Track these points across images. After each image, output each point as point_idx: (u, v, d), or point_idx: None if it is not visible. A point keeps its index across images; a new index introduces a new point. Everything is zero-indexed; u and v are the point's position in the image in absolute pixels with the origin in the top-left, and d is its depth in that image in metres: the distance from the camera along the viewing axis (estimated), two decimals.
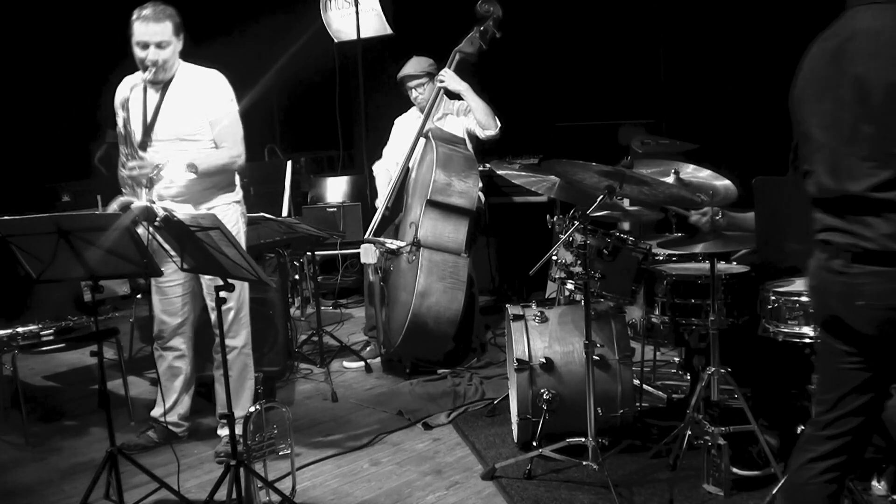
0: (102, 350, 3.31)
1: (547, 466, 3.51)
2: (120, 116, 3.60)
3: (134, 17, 3.54)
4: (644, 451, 3.59)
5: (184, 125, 3.65)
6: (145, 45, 3.54)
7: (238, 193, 3.90)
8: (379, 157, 5.36)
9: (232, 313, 3.78)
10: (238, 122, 3.75)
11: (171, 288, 3.81)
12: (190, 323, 3.91)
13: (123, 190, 3.64)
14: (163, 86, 3.65)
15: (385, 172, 5.23)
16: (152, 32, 3.51)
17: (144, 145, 3.64)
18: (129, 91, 3.59)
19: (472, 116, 4.99)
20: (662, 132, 5.80)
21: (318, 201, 6.81)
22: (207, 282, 3.74)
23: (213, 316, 3.79)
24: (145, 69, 3.56)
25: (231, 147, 3.72)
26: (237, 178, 3.91)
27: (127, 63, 3.70)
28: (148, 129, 3.64)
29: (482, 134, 4.99)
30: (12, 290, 4.25)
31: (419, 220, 4.67)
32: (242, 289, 3.78)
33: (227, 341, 3.74)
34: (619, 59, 6.26)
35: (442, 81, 4.96)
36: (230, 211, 3.79)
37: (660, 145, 4.90)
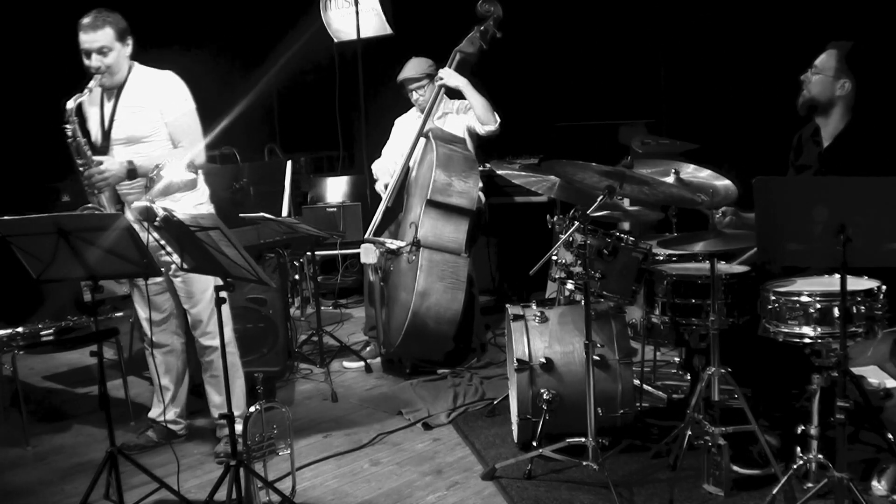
0: (102, 350, 3.31)
1: (547, 466, 3.51)
2: (69, 128, 3.58)
3: (78, 26, 3.58)
4: (644, 451, 3.59)
5: (138, 127, 3.66)
6: (88, 53, 3.58)
7: (204, 194, 3.87)
8: (378, 156, 5.36)
9: (207, 313, 3.78)
10: (196, 121, 3.75)
11: (149, 286, 3.80)
12: (174, 318, 3.91)
13: (90, 200, 3.65)
14: (116, 90, 3.68)
15: (385, 171, 5.22)
16: (92, 40, 3.55)
17: (105, 151, 3.66)
18: (75, 103, 3.57)
19: (472, 113, 4.99)
20: (662, 132, 5.80)
21: (318, 201, 6.81)
22: (178, 283, 3.74)
23: (189, 318, 3.83)
24: (93, 77, 3.59)
25: (189, 146, 3.71)
26: (201, 177, 3.86)
27: None
28: (106, 133, 3.68)
29: (482, 130, 4.99)
30: (13, 293, 4.24)
31: (419, 220, 4.67)
32: (209, 288, 3.72)
33: (208, 341, 3.80)
34: (619, 59, 6.25)
35: (441, 79, 4.97)
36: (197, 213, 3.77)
37: (660, 145, 4.89)
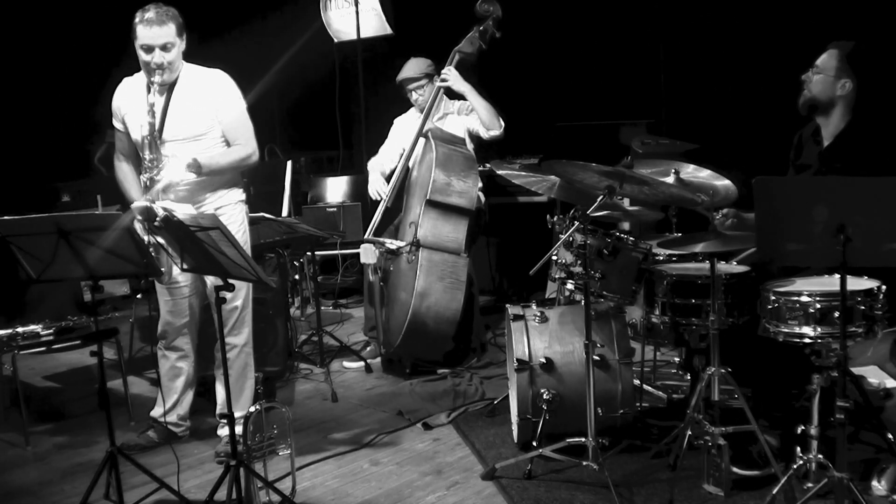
0: (102, 350, 3.31)
1: (547, 466, 3.51)
2: (148, 121, 3.57)
3: (136, 20, 3.51)
4: (644, 451, 3.59)
5: (194, 125, 3.65)
6: (150, 49, 3.52)
7: (243, 192, 3.91)
8: (376, 154, 5.36)
9: (236, 312, 3.78)
10: (248, 121, 3.77)
11: (177, 289, 3.81)
12: (194, 323, 3.91)
13: (146, 196, 3.61)
14: (168, 87, 3.64)
15: (379, 168, 5.22)
16: (156, 35, 3.49)
17: (156, 148, 3.65)
18: (135, 95, 3.57)
19: (475, 116, 4.99)
20: (662, 132, 5.80)
21: (318, 201, 6.81)
22: (212, 281, 3.74)
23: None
24: (151, 72, 3.54)
25: (244, 145, 3.73)
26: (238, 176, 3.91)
27: (125, 62, 3.70)
28: (158, 131, 3.64)
29: (486, 134, 4.99)
30: (13, 291, 4.25)
31: (419, 220, 4.67)
32: (247, 288, 3.79)
33: (230, 339, 3.77)
34: (619, 59, 6.26)
35: (445, 81, 4.95)
36: (237, 210, 3.82)
37: (660, 145, 4.89)
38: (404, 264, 4.71)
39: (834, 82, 3.45)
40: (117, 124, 3.73)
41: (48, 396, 4.74)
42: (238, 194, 3.86)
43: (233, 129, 3.70)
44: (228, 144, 3.74)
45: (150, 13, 3.50)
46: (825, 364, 2.93)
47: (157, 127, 3.61)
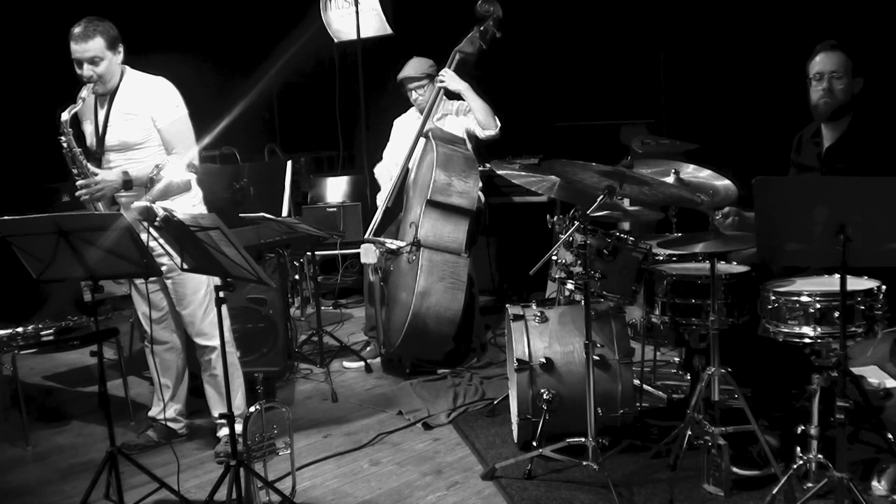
0: (102, 350, 3.31)
1: (547, 466, 3.51)
2: (64, 139, 3.59)
3: (69, 36, 3.57)
4: (644, 451, 3.59)
5: (131, 133, 3.67)
6: (79, 63, 3.58)
7: (197, 196, 3.87)
8: (379, 158, 5.36)
9: (199, 314, 3.78)
10: (188, 127, 3.75)
11: (142, 284, 3.81)
12: (172, 315, 3.90)
13: (86, 207, 3.66)
14: (109, 96, 3.68)
15: (387, 174, 5.23)
16: (83, 50, 3.54)
17: (100, 157, 3.68)
18: (69, 114, 3.58)
19: (472, 116, 5.00)
20: (662, 132, 5.80)
21: (318, 201, 6.81)
22: (170, 285, 3.75)
23: (182, 319, 3.83)
24: (85, 85, 3.59)
25: (182, 152, 3.72)
26: (194, 181, 3.87)
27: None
28: (101, 139, 3.68)
29: (482, 134, 4.99)
30: (13, 292, 4.25)
31: (419, 220, 4.67)
32: (204, 290, 3.75)
33: (204, 341, 3.79)
34: (619, 59, 6.26)
35: (442, 81, 4.97)
36: None
37: (660, 145, 4.89)
38: (405, 264, 4.71)
39: (853, 83, 3.43)
40: (64, 142, 3.73)
41: (48, 396, 4.75)
42: (188, 200, 3.80)
43: (170, 136, 3.70)
44: (168, 153, 3.73)
45: (78, 28, 3.56)
46: (825, 364, 2.93)
47: (98, 135, 3.65)
